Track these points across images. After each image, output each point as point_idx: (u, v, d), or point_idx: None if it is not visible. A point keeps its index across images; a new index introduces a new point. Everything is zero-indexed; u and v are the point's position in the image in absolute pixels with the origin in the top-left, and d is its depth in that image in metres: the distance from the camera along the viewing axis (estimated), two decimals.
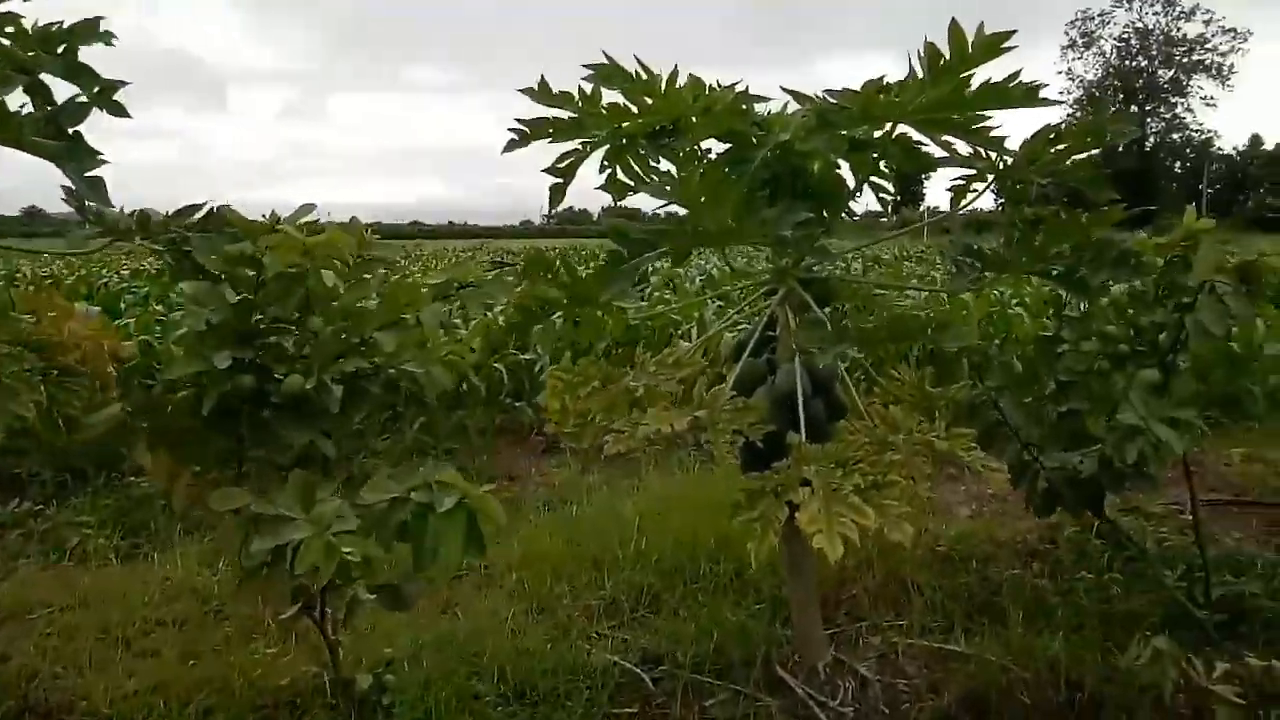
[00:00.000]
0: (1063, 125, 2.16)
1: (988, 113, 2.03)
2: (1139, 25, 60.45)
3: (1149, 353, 2.27)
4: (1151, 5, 60.25)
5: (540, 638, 2.98)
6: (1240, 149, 64.06)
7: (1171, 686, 2.23)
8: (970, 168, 2.36)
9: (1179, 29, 59.94)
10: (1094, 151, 2.19)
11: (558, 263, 2.28)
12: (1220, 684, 2.27)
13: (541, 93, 2.32)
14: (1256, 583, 2.69)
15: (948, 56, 1.84)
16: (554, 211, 2.42)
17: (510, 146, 2.43)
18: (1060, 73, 62.45)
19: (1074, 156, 2.19)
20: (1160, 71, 60.74)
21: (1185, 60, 59.86)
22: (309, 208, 2.21)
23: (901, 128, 2.15)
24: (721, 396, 2.18)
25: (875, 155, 2.26)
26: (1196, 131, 61.96)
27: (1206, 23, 58.83)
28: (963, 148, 2.20)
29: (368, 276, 2.15)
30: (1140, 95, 60.53)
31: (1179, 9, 59.51)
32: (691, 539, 3.46)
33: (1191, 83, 60.35)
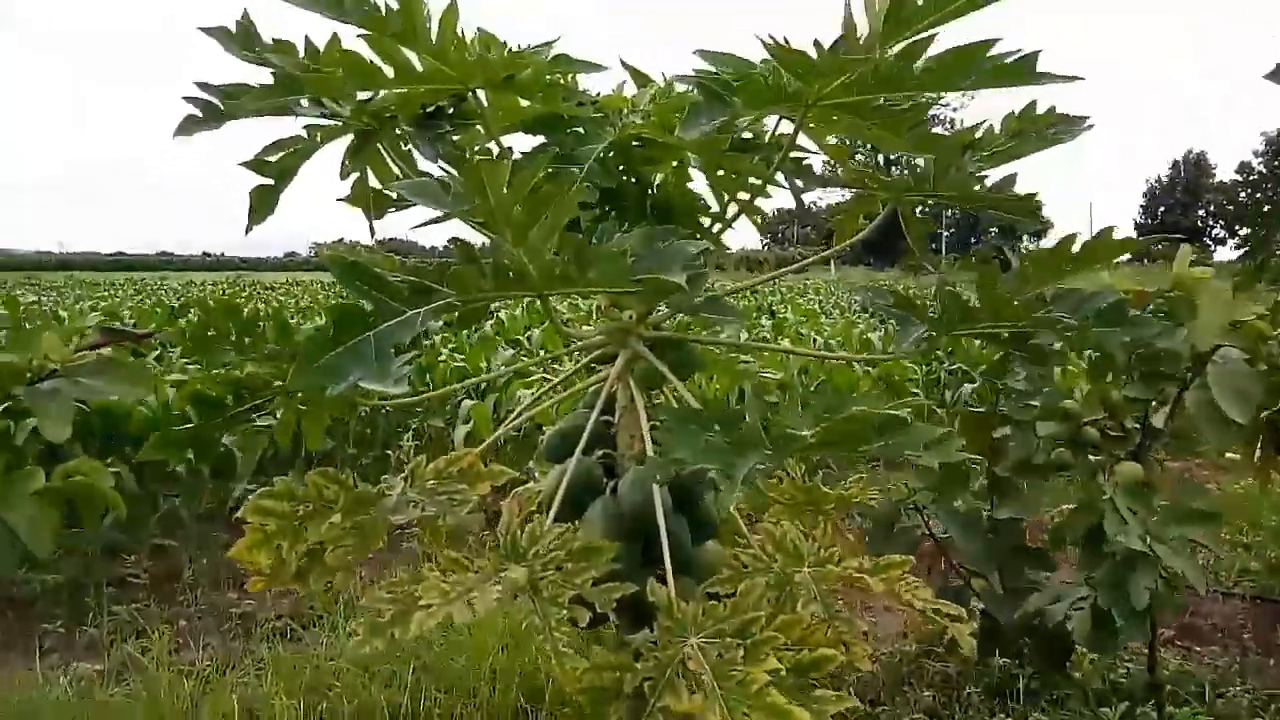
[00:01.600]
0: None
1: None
2: None
3: (1121, 438, 1.68)
4: None
5: None
6: None
7: None
8: (865, 186, 1.70)
9: None
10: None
11: (261, 321, 1.36)
12: None
13: (240, 39, 1.39)
14: None
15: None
16: (252, 228, 1.48)
17: (186, 128, 1.48)
18: None
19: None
20: None
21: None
22: None
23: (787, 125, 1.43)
24: (544, 535, 1.34)
25: (763, 161, 1.52)
26: None
27: None
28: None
29: None
30: None
31: None
32: (488, 679, 2.55)
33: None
